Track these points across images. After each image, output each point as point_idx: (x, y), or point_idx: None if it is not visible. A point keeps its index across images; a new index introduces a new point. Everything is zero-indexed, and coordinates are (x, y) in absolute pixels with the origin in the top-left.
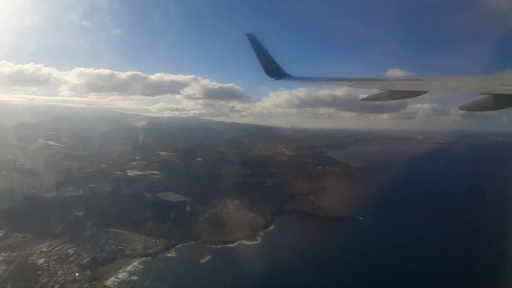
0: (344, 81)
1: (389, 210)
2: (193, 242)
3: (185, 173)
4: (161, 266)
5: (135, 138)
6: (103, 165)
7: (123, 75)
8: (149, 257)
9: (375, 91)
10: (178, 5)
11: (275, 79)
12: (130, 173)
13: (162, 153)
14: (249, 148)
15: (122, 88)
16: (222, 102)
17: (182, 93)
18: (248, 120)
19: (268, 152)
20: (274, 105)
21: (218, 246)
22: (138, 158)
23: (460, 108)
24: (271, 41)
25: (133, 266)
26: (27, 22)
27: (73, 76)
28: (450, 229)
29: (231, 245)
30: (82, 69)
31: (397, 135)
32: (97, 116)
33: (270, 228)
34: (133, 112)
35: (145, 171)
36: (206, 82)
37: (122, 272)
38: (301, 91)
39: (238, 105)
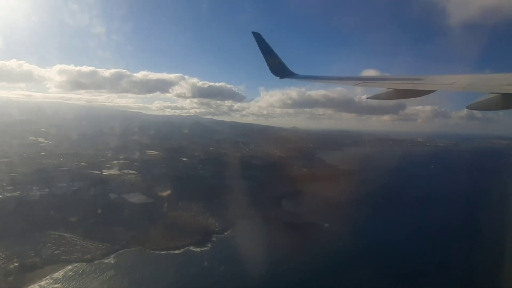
0: (350, 80)
1: (358, 217)
2: (138, 248)
3: (163, 173)
4: (91, 273)
5: (128, 136)
6: (83, 163)
7: (107, 72)
8: (84, 263)
9: (381, 90)
10: (162, 4)
11: (280, 78)
12: (106, 172)
13: (150, 152)
14: (241, 148)
15: (110, 85)
16: (218, 102)
17: (171, 92)
18: (250, 120)
19: (258, 152)
20: (268, 105)
21: (162, 253)
22: (122, 157)
23: (468, 108)
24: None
25: (63, 273)
26: (7, 19)
27: (55, 72)
28: (414, 237)
29: (177, 251)
30: (63, 65)
31: (397, 137)
32: (96, 113)
33: (225, 233)
34: (134, 110)
35: (123, 171)
36: (195, 80)
37: (48, 279)
38: (293, 91)
39: (235, 105)
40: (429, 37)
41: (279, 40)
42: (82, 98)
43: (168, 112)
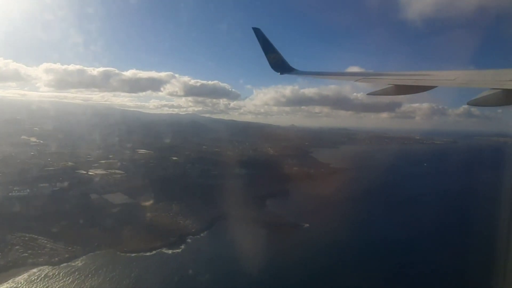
0: (350, 75)
1: (339, 217)
2: (109, 250)
3: (150, 172)
4: (54, 277)
5: (122, 135)
6: (70, 163)
7: (95, 71)
8: (50, 266)
9: (382, 85)
10: (149, 2)
11: (280, 74)
12: (92, 172)
13: (141, 151)
14: (234, 146)
15: (102, 84)
16: (214, 100)
17: (163, 90)
18: (248, 118)
19: (251, 151)
20: (263, 103)
21: (133, 255)
22: (111, 156)
23: (469, 104)
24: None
25: (26, 276)
26: None
27: (41, 71)
28: (394, 239)
29: (148, 253)
30: (49, 64)
31: (394, 134)
32: (93, 112)
33: (201, 235)
34: (132, 109)
35: (109, 170)
36: (186, 79)
37: (10, 282)
38: (286, 89)
39: (232, 103)
40: (428, 34)
41: (272, 37)
42: (77, 97)
43: (166, 110)
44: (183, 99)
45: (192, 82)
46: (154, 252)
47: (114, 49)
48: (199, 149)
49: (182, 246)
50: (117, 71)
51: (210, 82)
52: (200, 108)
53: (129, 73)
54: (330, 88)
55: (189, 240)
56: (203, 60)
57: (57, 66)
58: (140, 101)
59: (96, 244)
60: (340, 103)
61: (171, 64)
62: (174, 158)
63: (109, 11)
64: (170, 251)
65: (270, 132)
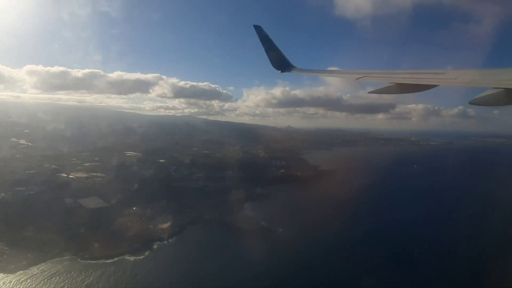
0: (351, 74)
1: (316, 222)
2: (70, 257)
3: (132, 175)
4: (4, 285)
5: (113, 137)
6: (54, 166)
7: (80, 73)
8: (4, 274)
9: (383, 84)
10: (132, 2)
11: (281, 72)
12: (73, 175)
13: (130, 153)
14: (225, 148)
15: (90, 86)
16: (207, 102)
17: (152, 92)
18: (245, 119)
19: (241, 153)
20: (255, 104)
21: (93, 262)
22: (97, 159)
23: (470, 103)
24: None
25: None
26: None
27: (24, 73)
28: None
29: (109, 260)
30: (32, 66)
31: (391, 135)
32: (87, 114)
33: (169, 240)
34: (127, 111)
35: (91, 173)
36: (174, 80)
37: None
38: (277, 91)
39: (226, 104)
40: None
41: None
42: (71, 98)
43: (162, 112)
44: (177, 100)
45: (181, 83)
46: (115, 259)
47: (97, 51)
48: (189, 151)
49: (146, 253)
50: (102, 73)
51: (200, 83)
52: (196, 110)
53: (115, 75)
54: (322, 89)
55: (155, 246)
56: (189, 62)
57: (40, 68)
58: (135, 102)
59: (57, 251)
60: (332, 104)
61: (156, 65)
62: (161, 160)
63: (91, 13)
64: (132, 258)
65: (264, 134)
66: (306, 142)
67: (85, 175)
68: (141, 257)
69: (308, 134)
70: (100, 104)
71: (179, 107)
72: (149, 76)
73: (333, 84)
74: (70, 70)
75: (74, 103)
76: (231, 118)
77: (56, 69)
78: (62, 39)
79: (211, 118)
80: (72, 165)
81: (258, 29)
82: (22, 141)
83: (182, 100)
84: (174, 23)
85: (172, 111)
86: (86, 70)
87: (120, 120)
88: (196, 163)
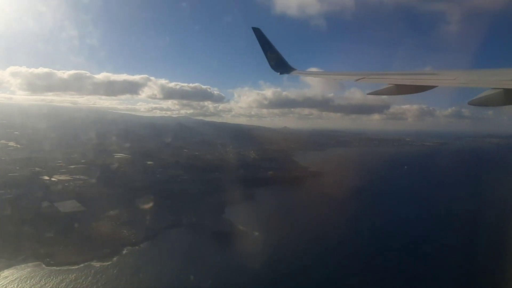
0: (350, 75)
1: (295, 225)
2: (35, 263)
3: (117, 178)
4: None
5: (105, 139)
6: (38, 168)
7: (66, 74)
8: None
9: (382, 85)
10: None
11: (280, 73)
12: (56, 178)
13: (118, 155)
14: (216, 150)
15: (78, 87)
16: (201, 103)
17: (141, 94)
18: (242, 120)
19: (232, 154)
20: (248, 105)
21: (58, 268)
22: (83, 161)
23: (469, 103)
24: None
25: None
26: None
27: (7, 74)
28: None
29: (75, 266)
30: (16, 67)
31: (386, 136)
32: (81, 116)
33: (141, 245)
34: (123, 112)
35: (75, 176)
36: (163, 82)
37: None
38: (268, 91)
39: (220, 105)
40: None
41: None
42: (65, 100)
43: (158, 113)
44: (170, 101)
45: (171, 85)
46: (81, 265)
47: (81, 52)
48: (179, 153)
49: (114, 259)
50: (88, 74)
51: (191, 84)
52: (192, 111)
53: (102, 76)
54: (313, 90)
55: (124, 252)
56: (177, 63)
57: (24, 69)
58: (130, 104)
59: (23, 257)
60: (322, 105)
61: (142, 67)
62: (149, 162)
63: (74, 12)
64: (98, 264)
65: (259, 135)
66: (300, 143)
67: (68, 178)
68: (107, 263)
69: (303, 135)
70: (94, 106)
71: (175, 108)
72: (137, 77)
73: (315, 86)
74: (55, 71)
75: (68, 104)
76: (228, 119)
77: (40, 70)
78: (46, 40)
79: (208, 119)
80: (57, 167)
81: (257, 31)
82: (12, 143)
83: (175, 101)
84: (159, 25)
85: (168, 112)
86: (72, 71)
87: (114, 121)
88: (184, 165)
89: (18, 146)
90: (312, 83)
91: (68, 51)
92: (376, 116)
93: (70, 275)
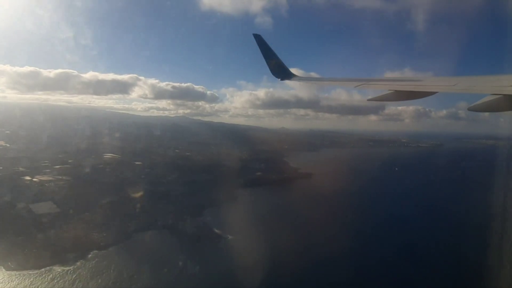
0: (350, 81)
1: (269, 229)
2: None
3: (101, 179)
4: None
5: (97, 138)
6: (21, 168)
7: (52, 73)
8: None
9: (381, 91)
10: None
11: (281, 80)
12: (37, 178)
13: (108, 155)
14: (208, 150)
15: (68, 86)
16: (196, 103)
17: (132, 93)
18: (240, 121)
19: (223, 155)
20: (241, 106)
21: (17, 272)
22: (70, 161)
23: (470, 109)
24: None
25: None
26: None
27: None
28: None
29: (35, 271)
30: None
31: (381, 137)
32: (76, 115)
33: (110, 249)
34: (120, 111)
35: (57, 176)
36: (154, 81)
37: None
38: (260, 92)
39: (216, 105)
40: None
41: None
42: (61, 99)
43: (155, 113)
44: (164, 101)
45: (162, 84)
46: (42, 269)
47: (67, 51)
48: (170, 153)
49: (78, 263)
50: (76, 73)
51: (183, 84)
52: (189, 111)
53: (89, 75)
54: (306, 91)
55: (90, 255)
56: (167, 63)
57: (8, 67)
58: (126, 103)
59: None
60: (317, 105)
61: (131, 66)
62: (138, 163)
63: (60, 11)
64: (60, 269)
65: (255, 136)
66: (295, 143)
67: (50, 178)
68: (69, 268)
69: (299, 135)
70: (90, 105)
71: (172, 108)
72: (126, 77)
73: (297, 88)
74: (41, 70)
75: (64, 103)
76: (225, 119)
77: (25, 69)
78: (30, 39)
79: (206, 119)
80: (41, 167)
81: (257, 37)
82: (1, 143)
83: (169, 101)
84: (148, 24)
85: (165, 112)
86: (59, 70)
87: (109, 120)
88: (173, 165)
89: (8, 145)
90: (295, 85)
91: (54, 50)
92: (372, 117)
93: (26, 280)
